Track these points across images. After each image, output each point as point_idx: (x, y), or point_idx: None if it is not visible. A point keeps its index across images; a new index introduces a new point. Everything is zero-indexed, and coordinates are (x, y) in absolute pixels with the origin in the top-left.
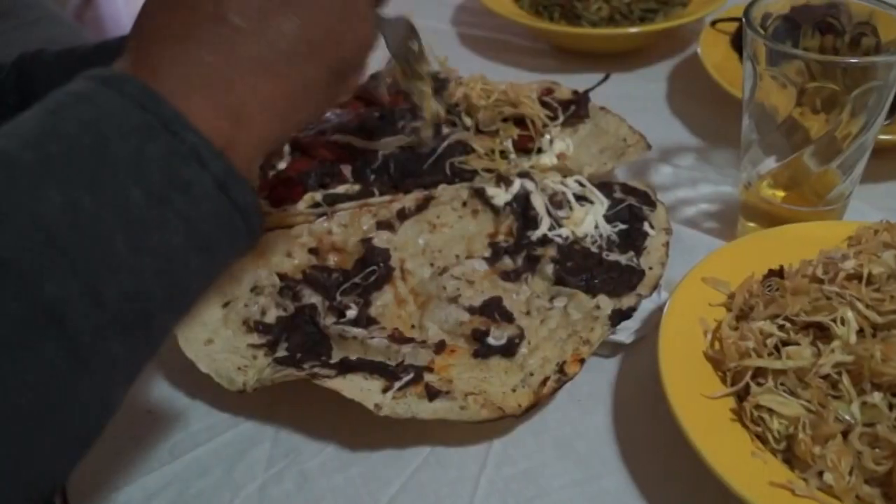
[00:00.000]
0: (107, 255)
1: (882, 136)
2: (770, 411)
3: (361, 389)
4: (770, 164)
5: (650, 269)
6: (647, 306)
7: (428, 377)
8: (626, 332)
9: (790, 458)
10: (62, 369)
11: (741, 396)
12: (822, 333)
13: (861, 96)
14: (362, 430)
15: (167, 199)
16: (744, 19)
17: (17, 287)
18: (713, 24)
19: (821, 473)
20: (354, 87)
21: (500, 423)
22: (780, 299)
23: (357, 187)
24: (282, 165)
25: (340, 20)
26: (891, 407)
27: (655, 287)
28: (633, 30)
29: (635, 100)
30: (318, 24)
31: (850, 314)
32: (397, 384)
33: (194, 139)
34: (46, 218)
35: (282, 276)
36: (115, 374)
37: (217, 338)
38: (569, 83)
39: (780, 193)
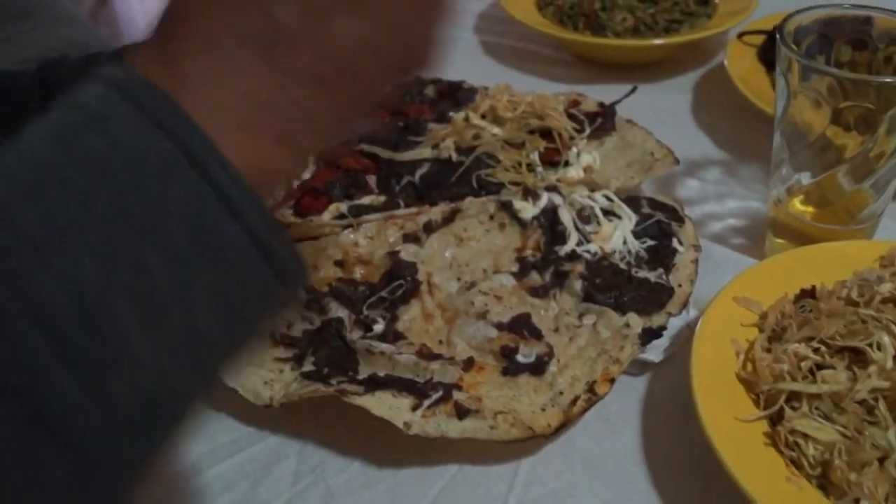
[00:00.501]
0: (117, 347)
1: None
2: (805, 436)
3: (390, 407)
4: (801, 181)
5: (679, 286)
6: (676, 324)
7: (457, 395)
8: (655, 351)
9: (825, 484)
10: (66, 486)
11: (775, 420)
12: (857, 358)
13: (895, 115)
14: (389, 447)
15: (190, 261)
16: (777, 35)
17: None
18: (740, 36)
19: (857, 501)
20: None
21: (528, 443)
22: (814, 321)
23: (382, 198)
24: (306, 175)
25: (407, 23)
26: None
27: (685, 305)
28: (659, 41)
29: (660, 112)
30: (382, 27)
31: (886, 339)
32: (427, 402)
33: (224, 177)
34: (46, 306)
35: (308, 289)
36: (126, 479)
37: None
38: (593, 94)
39: (811, 211)
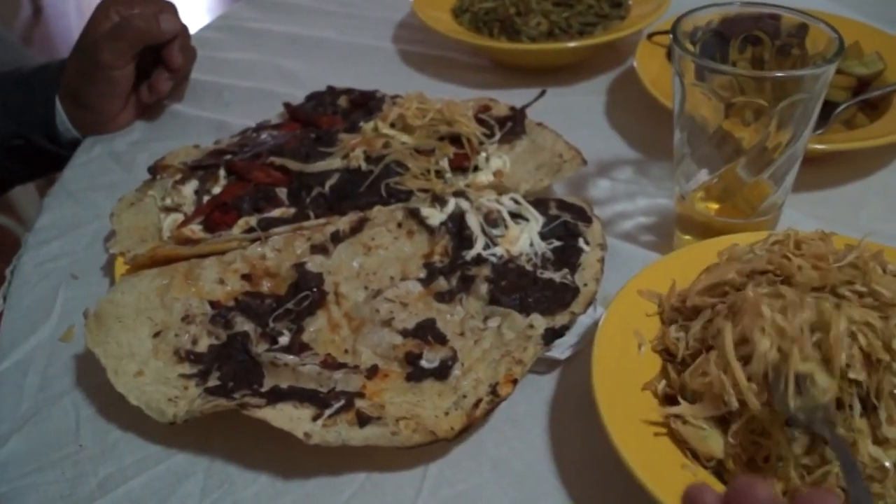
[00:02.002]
0: None
1: (816, 146)
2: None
3: (291, 419)
4: (703, 176)
5: (585, 285)
6: (584, 321)
7: (359, 403)
8: (561, 349)
9: (721, 470)
10: None
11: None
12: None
13: (787, 108)
14: (297, 459)
15: None
16: (671, 35)
17: None
18: (650, 37)
19: None
20: None
21: (436, 446)
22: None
23: (292, 211)
24: (216, 190)
25: None
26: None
27: (590, 303)
28: (572, 44)
29: (575, 114)
30: None
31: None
32: (327, 412)
33: None
34: None
35: (214, 304)
36: None
37: (147, 369)
38: (510, 98)
39: (714, 206)
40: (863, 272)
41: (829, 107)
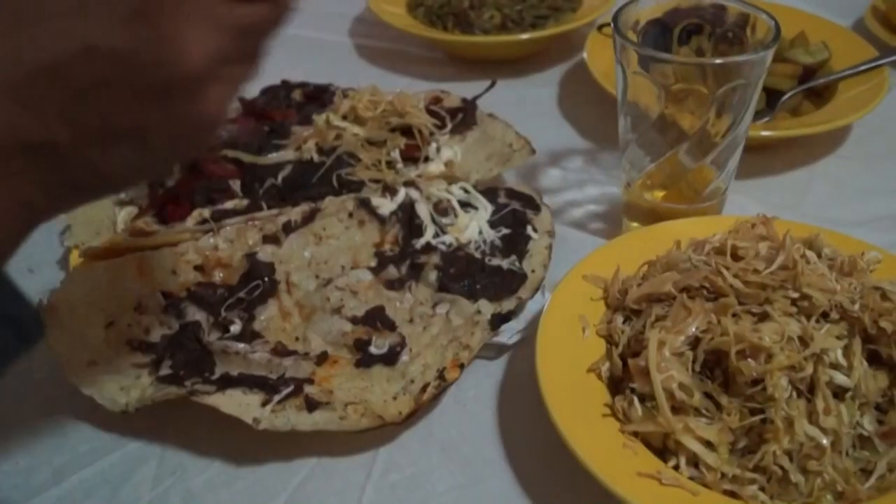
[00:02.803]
0: None
1: (763, 133)
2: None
3: (240, 405)
4: (648, 163)
5: (532, 271)
6: (532, 307)
7: (308, 389)
8: (509, 334)
9: (663, 449)
10: None
11: (613, 391)
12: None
13: (726, 94)
14: (248, 445)
15: None
16: (612, 24)
17: None
18: (600, 28)
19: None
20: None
21: (385, 431)
22: (652, 278)
23: (245, 202)
24: (170, 183)
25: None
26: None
27: (538, 289)
28: (525, 36)
29: (528, 104)
30: (150, 153)
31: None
32: (276, 397)
33: None
34: None
35: (167, 295)
36: None
37: (100, 359)
38: (464, 91)
39: (659, 193)
40: (793, 274)
41: (775, 95)
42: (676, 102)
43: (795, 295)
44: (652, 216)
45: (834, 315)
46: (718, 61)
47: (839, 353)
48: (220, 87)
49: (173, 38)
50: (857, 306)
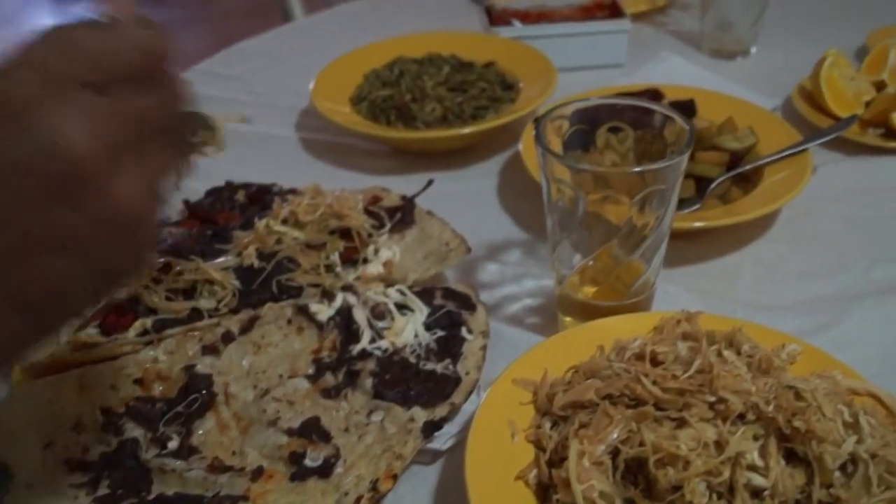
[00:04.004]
0: None
1: (694, 224)
2: None
3: None
4: (578, 259)
5: (467, 374)
6: (469, 409)
7: None
8: (443, 439)
9: None
10: None
11: (542, 498)
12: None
13: (646, 197)
14: None
15: None
16: (534, 132)
17: None
18: (535, 121)
19: None
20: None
21: None
22: (577, 385)
23: (187, 311)
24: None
25: (111, 253)
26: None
27: (472, 392)
28: (465, 130)
29: (469, 196)
30: (86, 261)
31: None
32: None
33: None
34: None
35: (105, 411)
36: None
37: (37, 482)
38: (408, 183)
39: (591, 289)
40: (709, 377)
41: (704, 182)
42: (599, 204)
43: (712, 399)
44: (585, 311)
45: (750, 416)
46: (637, 169)
47: (755, 454)
48: (128, 180)
49: (51, 131)
50: (771, 407)
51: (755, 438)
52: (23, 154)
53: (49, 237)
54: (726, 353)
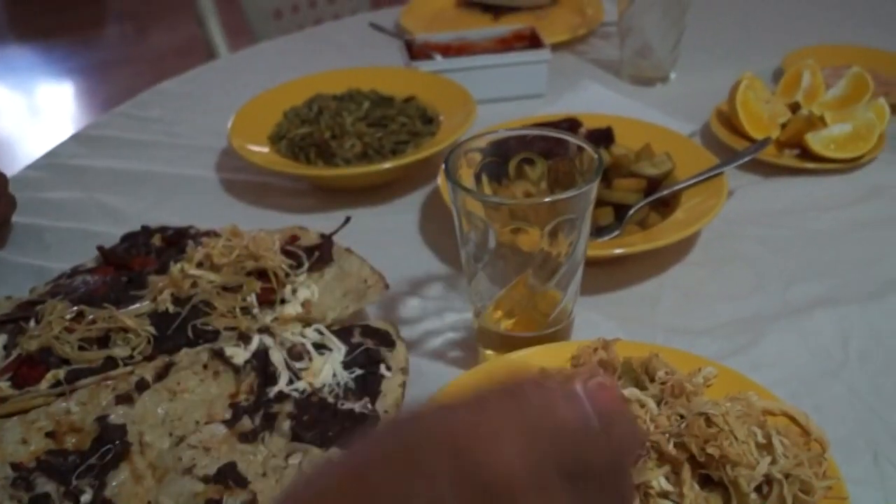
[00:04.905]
0: None
1: (614, 251)
2: None
3: None
4: (495, 291)
5: (386, 412)
6: None
7: None
8: None
9: None
10: None
11: None
12: None
13: (555, 227)
14: None
15: None
16: (443, 166)
17: None
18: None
19: None
20: None
21: None
22: None
23: (102, 359)
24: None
25: None
26: None
27: None
28: (385, 165)
29: (390, 232)
30: None
31: None
32: None
33: None
34: None
35: (16, 466)
36: None
37: None
38: (329, 221)
39: (509, 320)
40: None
41: (623, 209)
42: (511, 235)
43: None
44: (504, 344)
45: (652, 454)
46: (547, 199)
47: (662, 480)
48: None
49: None
50: (675, 443)
51: (659, 466)
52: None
53: None
54: (627, 392)
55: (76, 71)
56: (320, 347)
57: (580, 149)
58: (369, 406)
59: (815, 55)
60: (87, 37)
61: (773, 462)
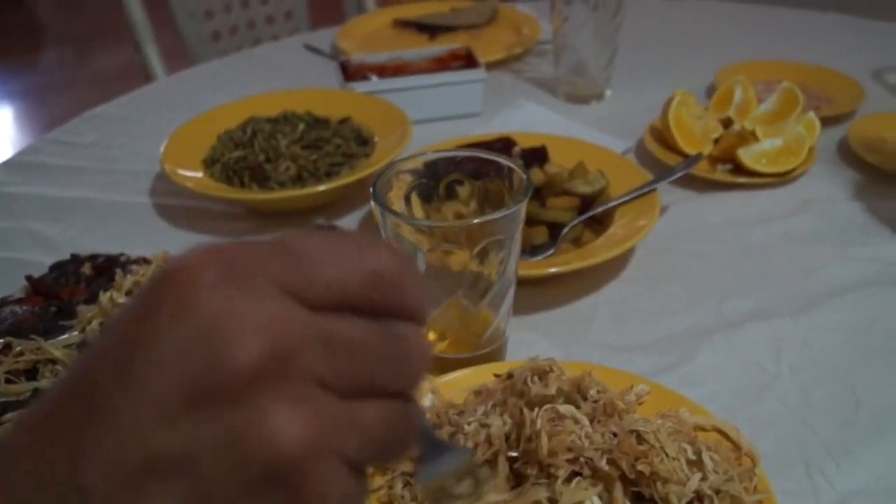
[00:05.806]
0: None
1: (549, 270)
2: None
3: None
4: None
5: None
6: None
7: None
8: None
9: None
10: None
11: None
12: None
13: (485, 248)
14: None
15: None
16: (371, 190)
17: None
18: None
19: None
20: None
21: None
22: None
23: (29, 391)
24: None
25: None
26: None
27: None
28: (320, 188)
29: None
30: None
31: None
32: None
33: None
34: None
35: None
36: None
37: None
38: None
39: (441, 343)
40: (534, 446)
41: (557, 228)
42: (441, 256)
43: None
44: (437, 366)
45: (586, 471)
46: (476, 221)
47: (595, 500)
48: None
49: (258, 421)
50: (607, 458)
51: (593, 485)
52: (211, 442)
53: None
54: (562, 408)
55: (14, 95)
56: None
57: (510, 169)
58: None
59: (747, 70)
60: (25, 60)
61: (704, 478)
